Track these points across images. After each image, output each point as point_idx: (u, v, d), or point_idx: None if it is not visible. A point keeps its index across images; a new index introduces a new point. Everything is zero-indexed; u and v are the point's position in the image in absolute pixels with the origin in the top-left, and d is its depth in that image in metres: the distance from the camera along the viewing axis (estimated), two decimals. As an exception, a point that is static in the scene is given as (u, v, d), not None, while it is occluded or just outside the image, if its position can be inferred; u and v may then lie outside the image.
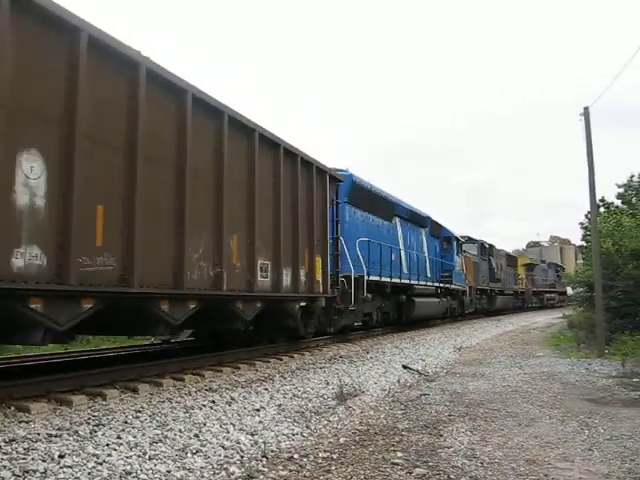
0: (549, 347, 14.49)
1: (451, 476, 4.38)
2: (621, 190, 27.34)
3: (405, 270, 18.10)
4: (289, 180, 10.32)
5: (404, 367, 10.07)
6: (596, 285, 12.91)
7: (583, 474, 4.49)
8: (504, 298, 33.84)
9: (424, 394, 7.75)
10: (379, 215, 16.47)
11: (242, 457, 4.71)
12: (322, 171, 11.73)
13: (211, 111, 8.08)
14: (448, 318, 24.39)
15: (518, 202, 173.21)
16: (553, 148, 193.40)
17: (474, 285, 27.55)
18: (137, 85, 6.58)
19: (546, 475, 4.43)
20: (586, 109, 13.13)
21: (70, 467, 4.05)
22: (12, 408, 5.43)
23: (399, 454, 4.91)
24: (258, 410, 6.28)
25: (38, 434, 4.71)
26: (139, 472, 4.13)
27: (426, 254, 21.05)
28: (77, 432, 4.84)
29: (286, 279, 10.16)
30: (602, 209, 24.30)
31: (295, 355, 10.77)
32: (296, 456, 4.80)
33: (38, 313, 5.45)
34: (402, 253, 18.09)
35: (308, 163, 11.02)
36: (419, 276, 19.35)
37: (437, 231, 22.87)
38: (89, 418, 5.35)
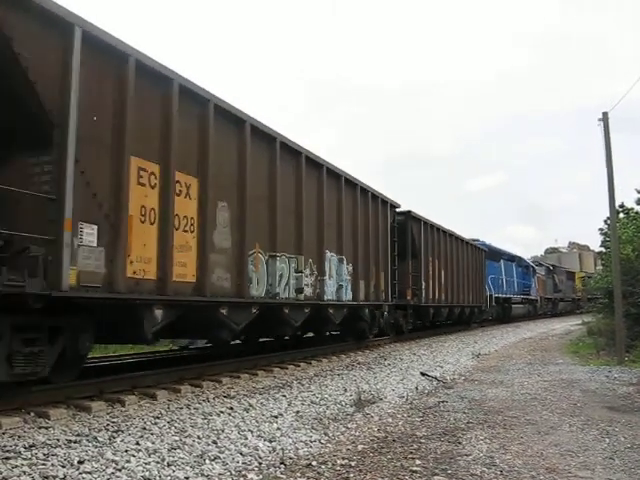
0: (568, 354, 14.33)
1: (470, 484, 4.35)
2: (640, 196, 26.96)
3: (505, 289, 31.14)
4: (473, 258, 24.08)
5: (422, 374, 10.03)
6: (615, 292, 12.75)
7: (605, 483, 4.43)
8: (564, 303, 48.41)
9: (442, 401, 7.70)
10: (494, 259, 29.46)
11: (260, 464, 4.72)
12: (481, 250, 25.98)
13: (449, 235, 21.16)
14: (526, 317, 35.89)
15: (536, 208, 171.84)
16: (573, 153, 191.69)
17: (542, 295, 40.38)
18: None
19: (567, 484, 4.38)
20: (605, 114, 12.88)
21: (89, 473, 4.09)
22: (32, 414, 5.49)
23: (417, 461, 4.88)
24: (276, 417, 6.28)
25: (57, 440, 4.75)
26: (157, 478, 4.15)
27: (515, 278, 33.93)
28: (96, 438, 4.88)
29: (473, 298, 23.94)
30: (621, 215, 24.00)
31: (312, 362, 10.79)
32: (314, 463, 4.79)
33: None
34: (504, 279, 31.06)
35: (474, 247, 24.79)
36: (513, 292, 32.86)
37: (520, 262, 36.02)
38: (108, 424, 5.39)
